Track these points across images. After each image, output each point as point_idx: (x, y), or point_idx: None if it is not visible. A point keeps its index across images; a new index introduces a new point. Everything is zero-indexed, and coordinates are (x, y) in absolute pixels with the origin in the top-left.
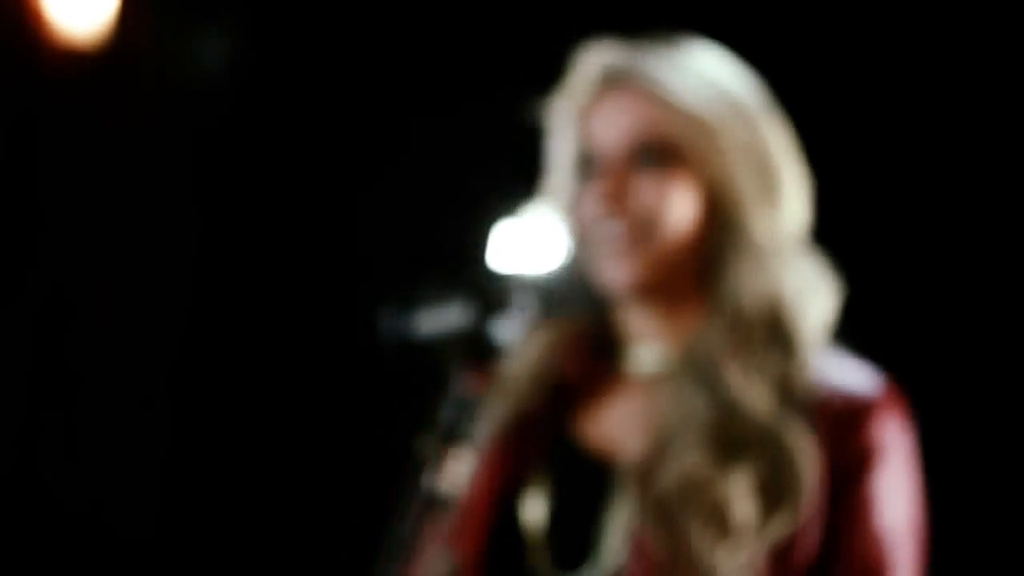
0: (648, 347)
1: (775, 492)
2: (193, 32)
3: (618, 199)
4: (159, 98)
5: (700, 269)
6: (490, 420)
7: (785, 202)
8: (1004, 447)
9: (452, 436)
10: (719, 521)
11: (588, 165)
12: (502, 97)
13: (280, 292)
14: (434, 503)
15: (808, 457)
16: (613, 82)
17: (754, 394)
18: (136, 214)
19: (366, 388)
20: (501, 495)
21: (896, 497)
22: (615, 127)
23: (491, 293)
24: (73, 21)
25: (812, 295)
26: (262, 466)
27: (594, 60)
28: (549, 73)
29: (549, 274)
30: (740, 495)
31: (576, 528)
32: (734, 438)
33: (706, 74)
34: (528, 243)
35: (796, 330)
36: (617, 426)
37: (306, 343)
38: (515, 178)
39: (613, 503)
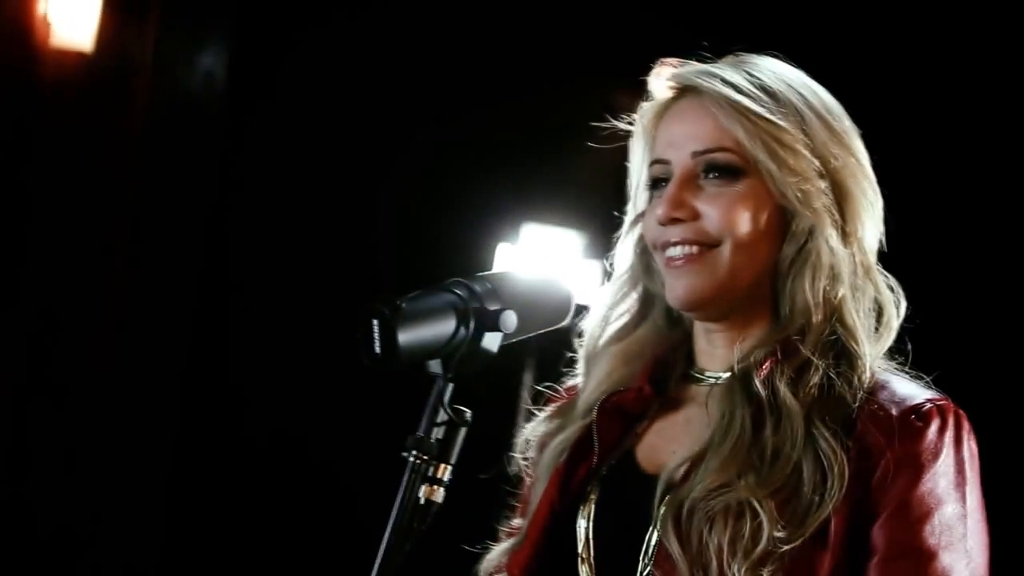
0: (713, 358)
1: (802, 511)
2: (186, 42)
3: (682, 206)
4: (152, 109)
5: (766, 286)
6: (552, 438)
7: (857, 220)
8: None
9: (440, 446)
10: (744, 536)
11: (657, 177)
12: (502, 111)
13: (275, 300)
14: (423, 513)
15: (840, 479)
16: (684, 91)
17: (797, 415)
18: (131, 223)
19: (358, 397)
20: (558, 511)
21: (955, 500)
22: (683, 136)
23: (483, 303)
24: (67, 32)
25: (877, 315)
26: (260, 476)
27: (667, 73)
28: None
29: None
30: (767, 511)
31: (622, 545)
32: (770, 456)
33: (779, 83)
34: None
35: (856, 353)
36: (670, 442)
37: (301, 351)
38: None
39: (658, 518)
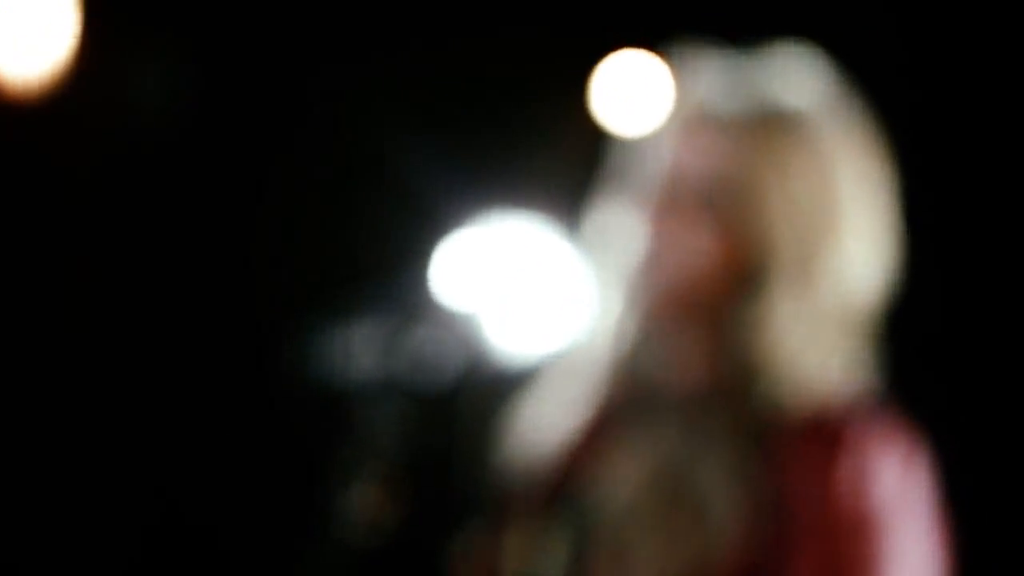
0: (665, 388)
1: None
2: (142, 67)
3: (659, 236)
4: (107, 134)
5: (716, 320)
6: (514, 461)
7: (827, 276)
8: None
9: (371, 466)
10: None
11: (644, 189)
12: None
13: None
14: (356, 532)
15: (779, 511)
16: (698, 119)
17: (719, 454)
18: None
19: (282, 422)
20: (519, 533)
21: (886, 533)
22: (674, 158)
23: (413, 316)
24: (21, 65)
25: (838, 371)
26: (175, 498)
27: (696, 92)
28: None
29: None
30: (673, 543)
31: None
32: (683, 493)
33: (779, 121)
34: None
35: (801, 400)
36: (617, 461)
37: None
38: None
39: (594, 542)
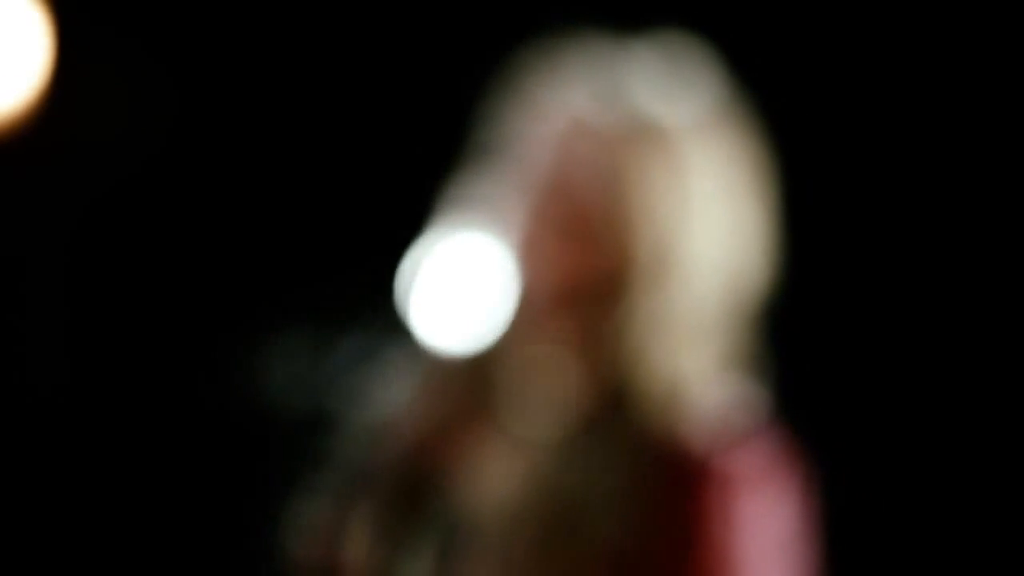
0: (527, 397)
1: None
2: (122, 90)
3: (532, 244)
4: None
5: (583, 330)
6: (363, 469)
7: (690, 282)
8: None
9: (321, 492)
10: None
11: (510, 172)
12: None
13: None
14: (307, 561)
15: (642, 543)
16: (566, 109)
17: (600, 480)
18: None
19: (221, 446)
20: (370, 547)
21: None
22: (548, 161)
23: (333, 326)
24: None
25: (708, 385)
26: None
27: (561, 74)
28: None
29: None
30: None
31: None
32: (569, 524)
33: (654, 139)
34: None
35: (668, 408)
36: (482, 478)
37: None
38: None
39: (463, 559)
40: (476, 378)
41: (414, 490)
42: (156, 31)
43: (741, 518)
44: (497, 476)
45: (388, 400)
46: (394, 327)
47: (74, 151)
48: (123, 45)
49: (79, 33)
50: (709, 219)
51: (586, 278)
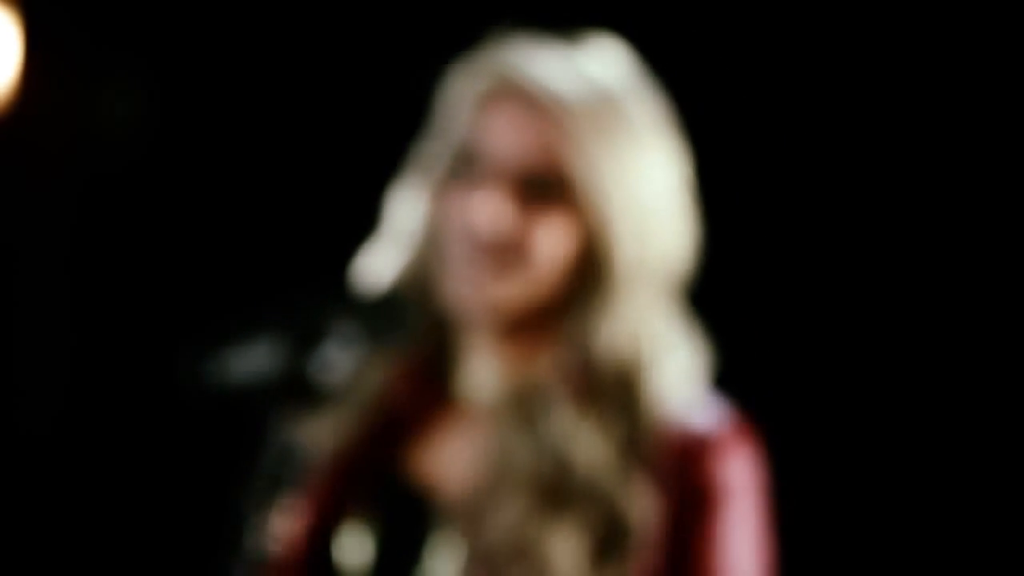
0: (486, 375)
1: (604, 547)
2: (96, 92)
3: (501, 218)
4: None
5: (559, 306)
6: (314, 456)
7: (660, 248)
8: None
9: (276, 487)
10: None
11: (470, 164)
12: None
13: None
14: (260, 558)
15: (642, 512)
16: (519, 89)
17: (585, 446)
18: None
19: (180, 439)
20: (321, 535)
21: (740, 536)
22: (511, 141)
23: (308, 326)
24: None
25: (674, 350)
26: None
27: (506, 58)
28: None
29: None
30: (565, 551)
31: (397, 569)
32: (560, 490)
33: (612, 107)
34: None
35: (646, 383)
36: (445, 460)
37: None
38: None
39: (436, 543)
40: (433, 361)
41: (366, 474)
42: (124, 35)
43: (726, 476)
44: (464, 455)
45: (349, 392)
46: (354, 319)
47: (46, 153)
48: (93, 46)
49: (48, 31)
50: (664, 179)
51: (571, 258)
